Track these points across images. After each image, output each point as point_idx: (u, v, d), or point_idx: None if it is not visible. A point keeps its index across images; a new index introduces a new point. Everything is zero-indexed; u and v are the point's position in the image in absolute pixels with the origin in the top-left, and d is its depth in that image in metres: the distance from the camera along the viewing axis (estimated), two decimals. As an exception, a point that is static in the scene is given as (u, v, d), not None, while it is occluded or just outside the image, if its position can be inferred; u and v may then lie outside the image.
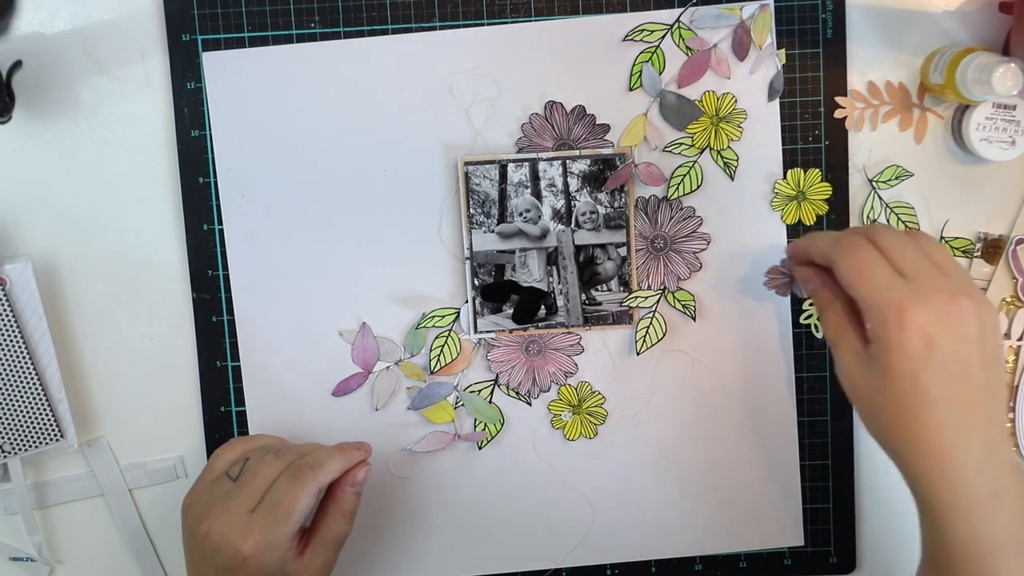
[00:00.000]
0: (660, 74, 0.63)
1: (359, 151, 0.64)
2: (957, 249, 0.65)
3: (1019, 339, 0.65)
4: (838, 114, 0.64)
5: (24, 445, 0.63)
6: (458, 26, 0.63)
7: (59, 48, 0.63)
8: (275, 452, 0.59)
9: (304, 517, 0.56)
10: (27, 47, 0.63)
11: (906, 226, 0.65)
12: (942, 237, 0.65)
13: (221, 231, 0.64)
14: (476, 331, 0.65)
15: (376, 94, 0.63)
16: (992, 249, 0.65)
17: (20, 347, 0.62)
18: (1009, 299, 0.65)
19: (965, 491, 0.50)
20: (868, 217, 0.65)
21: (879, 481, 0.67)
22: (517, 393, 0.66)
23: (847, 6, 0.63)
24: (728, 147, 0.64)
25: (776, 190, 0.64)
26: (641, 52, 0.63)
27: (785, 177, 0.64)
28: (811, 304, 0.65)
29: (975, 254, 0.65)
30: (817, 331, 0.65)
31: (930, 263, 0.52)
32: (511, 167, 0.63)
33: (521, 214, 0.64)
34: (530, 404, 0.66)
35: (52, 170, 0.64)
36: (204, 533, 0.55)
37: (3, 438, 0.62)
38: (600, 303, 0.65)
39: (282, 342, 0.65)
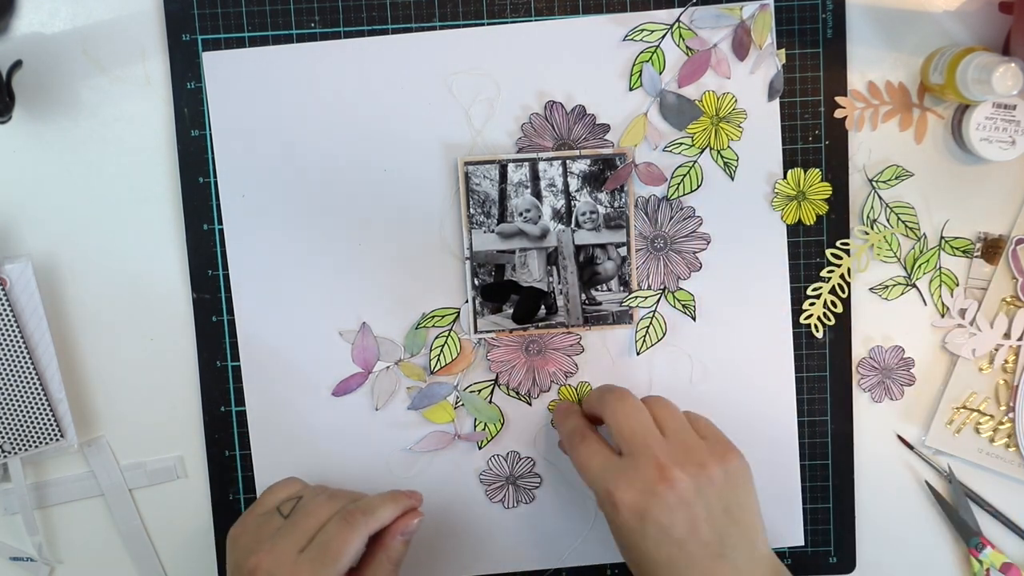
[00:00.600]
0: (660, 74, 0.63)
1: (359, 151, 0.64)
2: (957, 249, 0.65)
3: (1019, 339, 0.65)
4: (838, 114, 0.64)
5: (24, 445, 0.63)
6: (458, 26, 0.63)
7: (59, 48, 0.63)
8: (328, 495, 0.59)
9: (352, 562, 0.56)
10: (27, 47, 0.63)
11: (906, 226, 0.65)
12: (942, 237, 0.65)
13: (221, 231, 0.64)
14: (476, 331, 0.65)
15: (376, 94, 0.63)
16: (992, 249, 0.64)
17: (20, 347, 0.62)
18: (1009, 299, 0.65)
19: None
20: (868, 217, 0.65)
21: (879, 481, 0.67)
22: (517, 393, 0.66)
23: (847, 6, 0.63)
24: (728, 147, 0.64)
25: (776, 190, 0.64)
26: (641, 52, 0.63)
27: (785, 177, 0.64)
28: (811, 305, 0.65)
29: (975, 254, 0.65)
30: (817, 331, 0.65)
31: (650, 430, 0.57)
32: (511, 167, 0.63)
33: (521, 214, 0.64)
34: (530, 404, 0.66)
35: (52, 170, 0.64)
36: (251, 568, 0.55)
37: (3, 438, 0.62)
38: (600, 303, 0.65)
39: (282, 342, 0.65)
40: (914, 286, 0.65)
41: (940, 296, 0.65)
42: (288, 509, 0.58)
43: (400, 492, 0.60)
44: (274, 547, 0.55)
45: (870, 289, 0.65)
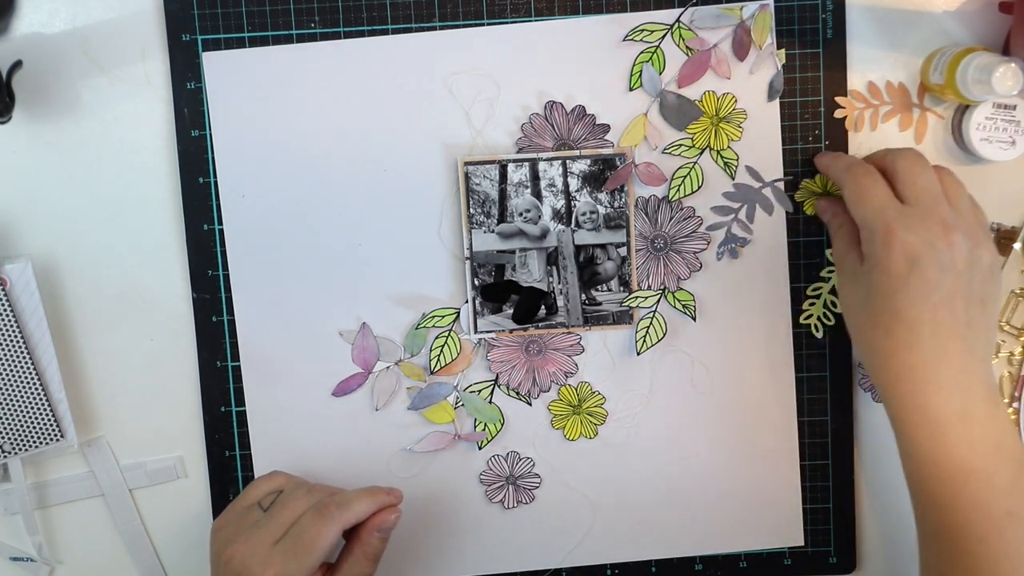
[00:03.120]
0: (660, 74, 0.63)
1: (359, 151, 0.64)
2: None
3: None
4: (838, 114, 0.64)
5: (24, 445, 0.63)
6: (458, 26, 0.63)
7: (59, 48, 0.63)
8: (308, 488, 0.59)
9: (326, 554, 0.56)
10: (27, 47, 0.63)
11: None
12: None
13: (221, 231, 0.64)
14: (476, 331, 0.65)
15: (376, 94, 0.63)
16: (1005, 240, 0.64)
17: (20, 347, 0.62)
18: (1019, 291, 0.65)
19: (931, 411, 0.53)
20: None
21: (879, 481, 0.67)
22: (517, 393, 0.66)
23: (847, 6, 0.63)
24: (728, 147, 0.64)
25: (803, 186, 0.64)
26: (641, 52, 0.63)
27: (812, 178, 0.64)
28: (811, 305, 0.65)
29: None
30: (817, 331, 0.65)
31: (939, 194, 0.55)
32: (511, 167, 0.63)
33: (521, 214, 0.64)
34: (530, 404, 0.66)
35: (52, 170, 0.64)
36: (227, 559, 0.56)
37: (3, 438, 0.62)
38: (600, 303, 0.65)
39: (282, 342, 0.65)
40: None
41: None
42: (268, 503, 0.59)
43: (379, 488, 0.60)
44: (249, 538, 0.56)
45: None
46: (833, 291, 0.65)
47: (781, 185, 0.64)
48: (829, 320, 0.65)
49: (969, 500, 0.53)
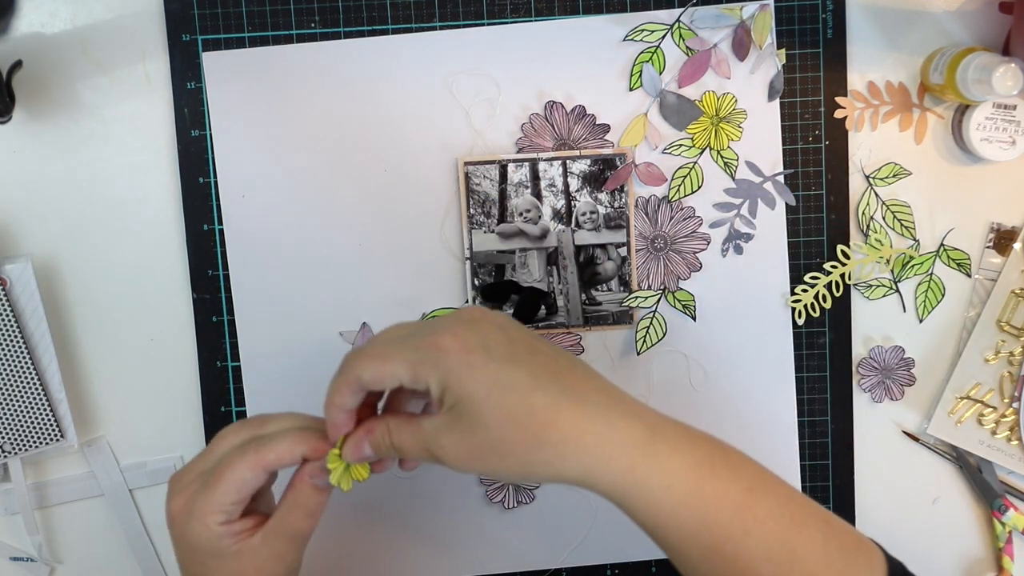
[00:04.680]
0: (660, 74, 0.63)
1: (359, 151, 0.64)
2: (955, 262, 0.65)
3: None
4: (838, 114, 0.64)
5: (24, 445, 0.63)
6: (458, 26, 0.63)
7: (59, 48, 0.63)
8: (241, 423, 0.54)
9: (239, 492, 0.51)
10: (27, 47, 0.63)
11: (902, 224, 0.65)
12: (942, 245, 0.65)
13: (221, 231, 0.64)
14: (476, 331, 0.64)
15: (376, 94, 0.63)
16: (1004, 240, 0.65)
17: (20, 347, 0.62)
18: (1018, 291, 0.65)
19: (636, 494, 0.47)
20: (864, 214, 0.65)
21: (879, 481, 0.67)
22: (517, 393, 0.66)
23: (847, 6, 0.63)
24: (728, 147, 0.64)
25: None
26: (641, 52, 0.63)
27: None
28: (803, 292, 0.65)
29: (987, 244, 0.65)
30: (800, 316, 0.65)
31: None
32: (511, 167, 0.63)
33: (521, 214, 0.64)
34: (530, 404, 0.66)
35: (52, 170, 0.64)
36: (168, 486, 0.53)
37: (3, 438, 0.62)
38: (600, 303, 0.65)
39: (282, 342, 0.65)
40: (897, 291, 0.65)
41: (925, 302, 0.65)
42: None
43: (313, 427, 0.54)
44: (186, 467, 0.53)
45: (854, 286, 0.65)
46: (829, 286, 0.65)
47: (781, 178, 0.64)
48: (814, 312, 0.65)
49: (711, 494, 0.46)
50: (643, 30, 0.63)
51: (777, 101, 0.64)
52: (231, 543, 0.52)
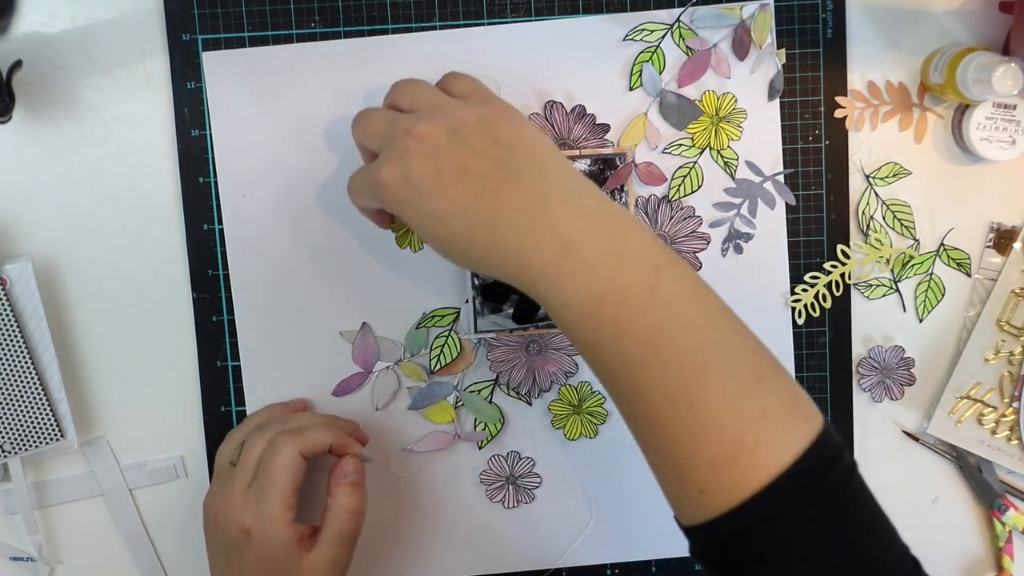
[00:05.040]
0: (660, 74, 0.63)
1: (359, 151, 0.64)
2: (955, 261, 0.65)
3: None
4: (838, 114, 0.64)
5: (24, 445, 0.63)
6: (458, 26, 0.63)
7: (59, 48, 0.63)
8: (263, 428, 0.60)
9: (292, 482, 0.56)
10: (27, 47, 0.63)
11: (902, 224, 0.65)
12: (942, 245, 0.65)
13: (221, 231, 0.64)
14: (476, 331, 0.64)
15: (376, 94, 0.63)
16: (1004, 240, 0.65)
17: (20, 347, 0.62)
18: (1019, 291, 0.65)
19: (530, 263, 0.48)
20: (864, 214, 0.65)
21: (879, 481, 0.67)
22: (517, 393, 0.66)
23: (847, 6, 0.63)
24: (728, 147, 0.64)
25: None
26: (641, 52, 0.63)
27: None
28: (804, 291, 0.65)
29: (987, 244, 0.65)
30: (800, 316, 0.65)
31: (397, 116, 0.53)
32: (511, 167, 0.63)
33: (521, 214, 0.64)
34: (530, 404, 0.66)
35: (52, 170, 0.64)
36: (212, 519, 0.57)
37: (3, 438, 0.62)
38: (600, 303, 0.65)
39: (282, 342, 0.65)
40: (897, 290, 0.65)
41: (925, 301, 0.65)
42: (236, 456, 0.60)
43: (337, 421, 0.60)
44: (223, 490, 0.58)
45: (854, 286, 0.65)
46: (829, 286, 0.65)
47: (781, 178, 0.64)
48: (814, 312, 0.65)
49: (611, 330, 0.47)
50: (643, 30, 0.63)
51: (777, 101, 0.64)
52: (298, 552, 0.56)
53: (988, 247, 0.65)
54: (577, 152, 0.63)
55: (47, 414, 0.63)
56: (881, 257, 0.65)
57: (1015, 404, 0.65)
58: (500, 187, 0.49)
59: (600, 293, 0.47)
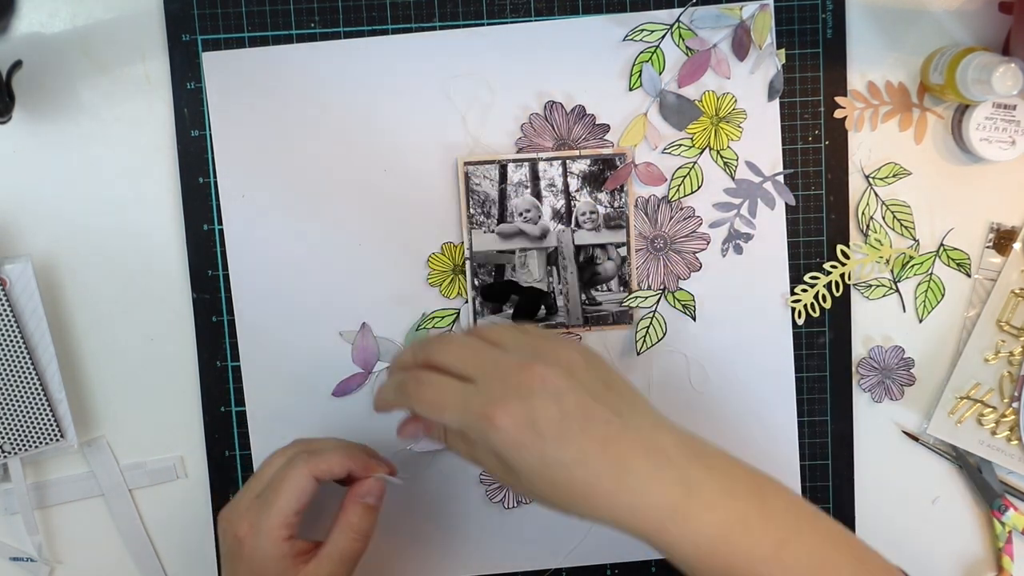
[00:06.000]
0: (660, 74, 0.63)
1: (359, 151, 0.64)
2: (954, 261, 0.65)
3: None
4: (838, 114, 0.64)
5: (24, 445, 0.63)
6: (458, 26, 0.63)
7: (59, 48, 0.63)
8: (286, 447, 0.60)
9: (296, 502, 0.55)
10: (27, 47, 0.63)
11: (902, 224, 0.65)
12: (942, 245, 0.65)
13: (221, 231, 0.64)
14: (476, 331, 0.65)
15: (376, 94, 0.63)
16: (1004, 240, 0.65)
17: (20, 347, 0.62)
18: (1018, 291, 0.65)
19: (647, 520, 0.48)
20: (863, 214, 0.65)
21: (879, 481, 0.67)
22: (517, 393, 0.66)
23: (847, 6, 0.63)
24: (728, 147, 0.64)
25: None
26: (641, 52, 0.63)
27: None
28: (803, 292, 0.65)
29: (987, 244, 0.65)
30: (800, 316, 0.65)
31: (484, 346, 0.51)
32: (511, 167, 0.63)
33: (521, 214, 0.64)
34: (530, 404, 0.66)
35: (52, 170, 0.64)
36: (222, 524, 0.57)
37: (3, 438, 0.62)
38: (600, 303, 0.65)
39: (282, 342, 0.65)
40: (897, 291, 0.65)
41: (925, 302, 0.65)
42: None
43: (360, 447, 0.59)
44: (235, 498, 0.58)
45: (854, 286, 0.65)
46: (829, 286, 0.65)
47: (781, 178, 0.64)
48: (814, 312, 0.65)
49: (741, 557, 0.48)
50: (643, 30, 0.63)
51: (777, 101, 0.64)
52: (292, 566, 0.55)
53: (988, 247, 0.65)
54: (577, 152, 0.63)
55: (47, 414, 0.63)
56: (881, 257, 0.65)
57: (1015, 404, 0.65)
58: (623, 435, 0.49)
59: (724, 523, 0.48)
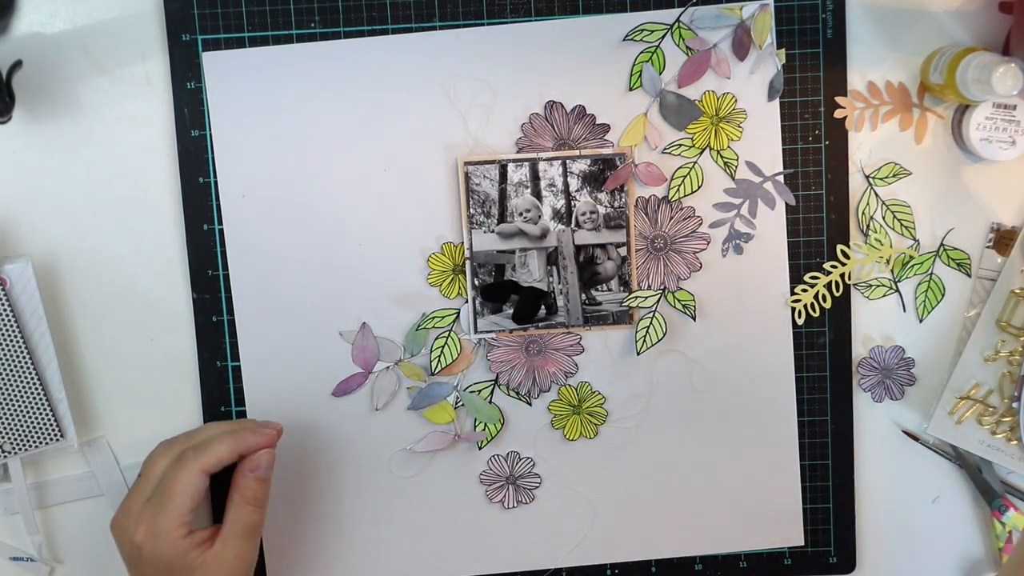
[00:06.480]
0: (660, 74, 0.63)
1: (359, 151, 0.64)
2: (955, 261, 0.65)
3: None
4: (838, 114, 0.64)
5: (24, 445, 0.63)
6: (458, 26, 0.63)
7: (59, 48, 0.63)
8: (168, 442, 0.59)
9: (192, 500, 0.56)
10: (27, 47, 0.63)
11: (902, 224, 0.65)
12: (942, 245, 0.65)
13: (221, 231, 0.64)
14: (476, 331, 0.65)
15: (376, 94, 0.63)
16: (1005, 240, 0.65)
17: (20, 347, 0.62)
18: (1018, 291, 0.65)
19: None
20: (864, 214, 0.65)
21: (879, 481, 0.67)
22: (517, 393, 0.66)
23: (847, 6, 0.63)
24: (728, 147, 0.64)
25: None
26: (641, 52, 0.63)
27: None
28: (803, 291, 0.65)
29: (987, 244, 0.65)
30: (799, 316, 0.65)
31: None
32: (511, 167, 0.63)
33: (521, 214, 0.64)
34: (530, 404, 0.66)
35: (52, 170, 0.64)
36: (115, 532, 0.57)
37: (3, 438, 0.62)
38: (600, 303, 0.65)
39: (282, 342, 0.65)
40: (897, 291, 0.65)
41: (925, 302, 0.65)
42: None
43: (245, 428, 0.59)
44: (123, 503, 0.58)
45: (854, 286, 0.65)
46: (829, 286, 0.65)
47: (781, 178, 0.64)
48: (814, 312, 0.65)
49: None
50: (643, 30, 0.63)
51: (777, 101, 0.64)
52: (197, 555, 0.56)
53: (988, 247, 0.65)
54: (577, 152, 0.63)
55: (47, 414, 0.63)
56: (881, 257, 0.65)
57: (1015, 404, 0.65)
58: None
59: None
